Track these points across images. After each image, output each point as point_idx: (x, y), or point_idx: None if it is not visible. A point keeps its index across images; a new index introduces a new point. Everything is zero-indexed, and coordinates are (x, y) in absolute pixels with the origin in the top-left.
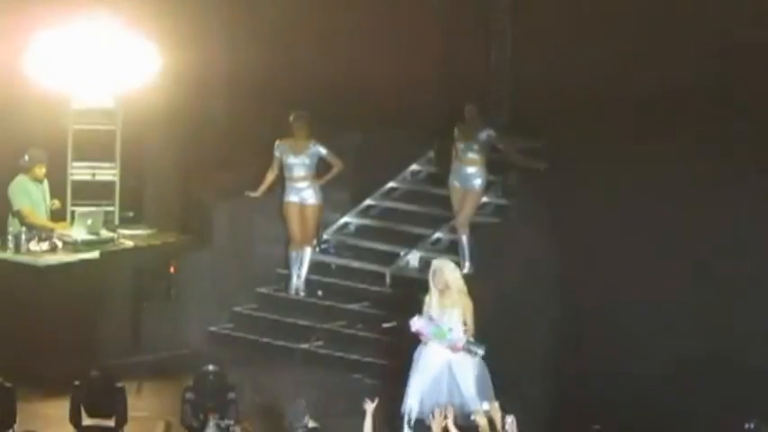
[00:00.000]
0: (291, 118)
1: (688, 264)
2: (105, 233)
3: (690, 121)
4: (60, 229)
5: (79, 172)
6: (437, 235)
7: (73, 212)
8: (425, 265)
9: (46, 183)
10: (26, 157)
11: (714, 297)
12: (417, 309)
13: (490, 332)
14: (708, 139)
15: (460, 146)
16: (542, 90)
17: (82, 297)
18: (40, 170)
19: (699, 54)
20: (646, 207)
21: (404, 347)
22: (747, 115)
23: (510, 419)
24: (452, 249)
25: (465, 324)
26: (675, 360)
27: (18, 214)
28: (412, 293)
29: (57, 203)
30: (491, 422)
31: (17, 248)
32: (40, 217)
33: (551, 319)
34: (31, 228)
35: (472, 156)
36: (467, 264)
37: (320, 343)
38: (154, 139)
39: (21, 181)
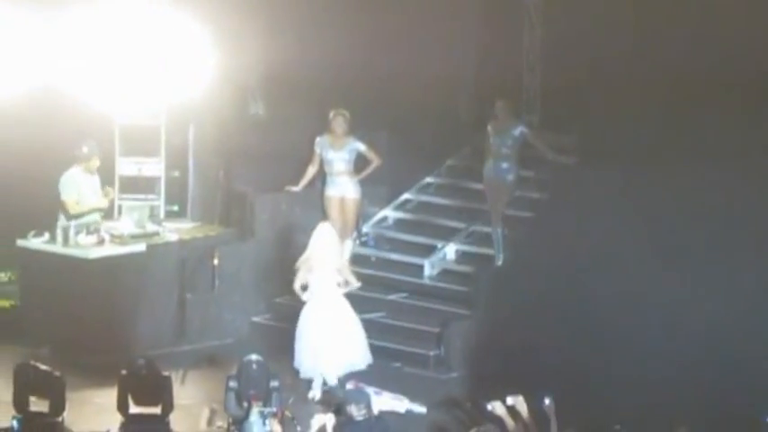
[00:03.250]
0: (331, 115)
1: (721, 262)
2: (151, 226)
3: (716, 119)
4: (100, 204)
5: (126, 167)
6: (472, 228)
7: (120, 206)
8: (461, 257)
9: (96, 176)
10: (84, 149)
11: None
12: (454, 299)
13: (518, 321)
14: (735, 136)
15: (494, 142)
16: (573, 86)
17: (128, 288)
18: (95, 162)
19: (727, 54)
20: (674, 204)
21: (443, 337)
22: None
23: (548, 400)
24: (487, 242)
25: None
26: (688, 360)
27: (62, 205)
28: (448, 284)
29: (110, 192)
30: (515, 414)
31: (66, 241)
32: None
33: (575, 312)
34: (78, 219)
35: (506, 151)
36: (500, 256)
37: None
38: (197, 135)
39: (73, 173)
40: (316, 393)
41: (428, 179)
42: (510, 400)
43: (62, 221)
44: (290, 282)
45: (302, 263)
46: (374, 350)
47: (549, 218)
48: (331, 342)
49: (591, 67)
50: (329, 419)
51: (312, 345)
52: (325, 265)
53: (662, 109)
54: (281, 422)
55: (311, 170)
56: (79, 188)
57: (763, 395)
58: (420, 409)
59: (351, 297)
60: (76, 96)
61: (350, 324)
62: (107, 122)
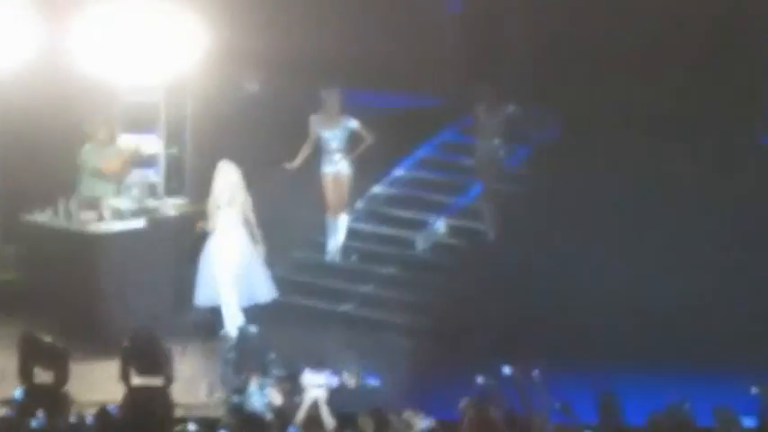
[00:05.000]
0: (324, 95)
1: (704, 237)
2: (150, 202)
3: (696, 94)
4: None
5: (126, 144)
6: (463, 203)
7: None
8: (452, 231)
9: (111, 146)
10: (85, 125)
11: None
12: (446, 271)
13: (508, 294)
14: (716, 114)
15: (485, 120)
16: (555, 63)
17: (129, 262)
18: (102, 132)
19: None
20: (655, 177)
21: (433, 308)
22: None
23: (536, 372)
24: (477, 216)
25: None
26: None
27: (97, 173)
28: (438, 257)
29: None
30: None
31: (68, 217)
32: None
33: (564, 283)
34: (116, 180)
35: (496, 129)
36: (491, 229)
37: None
38: (195, 113)
39: (87, 147)
40: (230, 330)
41: (420, 155)
42: (505, 371)
43: (85, 191)
44: (288, 258)
45: (211, 203)
46: (366, 322)
47: (537, 192)
48: (233, 275)
49: (570, 45)
50: (321, 392)
51: (212, 276)
52: (232, 203)
53: (646, 82)
54: (281, 392)
55: (306, 148)
56: (94, 156)
57: (737, 367)
58: (374, 382)
59: (345, 271)
60: (80, 75)
61: (252, 260)
62: (109, 101)
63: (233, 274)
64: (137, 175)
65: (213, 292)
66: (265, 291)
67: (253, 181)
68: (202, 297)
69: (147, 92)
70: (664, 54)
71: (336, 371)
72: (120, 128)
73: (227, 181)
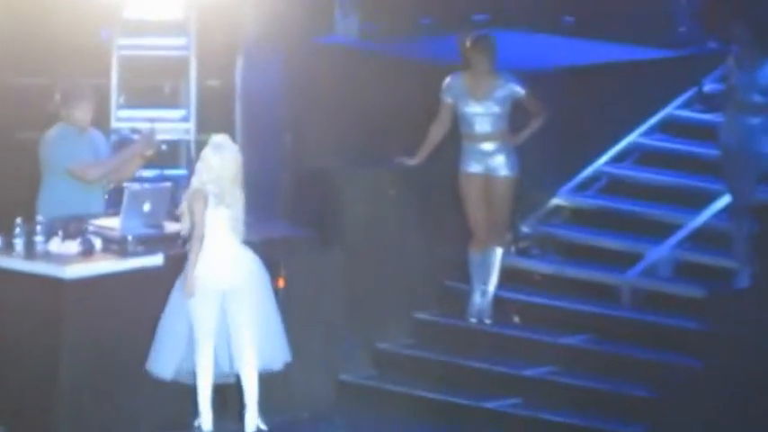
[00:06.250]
0: (469, 43)
1: None
2: (171, 225)
3: None
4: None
5: (129, 124)
6: (699, 223)
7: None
8: (682, 271)
9: (96, 134)
10: (57, 96)
11: None
12: (673, 340)
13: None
14: None
15: (739, 83)
16: None
17: (134, 326)
18: (83, 114)
19: None
20: None
21: (658, 403)
22: None
23: None
24: (723, 247)
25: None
26: None
27: (66, 174)
28: (663, 318)
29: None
30: None
31: (29, 251)
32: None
33: None
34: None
35: (758, 100)
36: (747, 269)
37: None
38: (248, 75)
39: (58, 131)
40: (205, 423)
41: (629, 141)
42: None
43: (44, 214)
44: (402, 318)
45: (194, 194)
46: (537, 425)
47: None
48: (238, 323)
49: None
50: None
51: (187, 325)
52: (235, 200)
53: None
54: None
55: (437, 131)
56: (70, 148)
57: None
58: None
59: (499, 341)
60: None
61: (263, 294)
62: (100, 48)
63: (238, 319)
64: (149, 180)
65: (186, 353)
66: (279, 349)
67: (345, 190)
68: (169, 362)
69: (167, 36)
70: None
71: None
72: (118, 99)
73: (229, 163)
